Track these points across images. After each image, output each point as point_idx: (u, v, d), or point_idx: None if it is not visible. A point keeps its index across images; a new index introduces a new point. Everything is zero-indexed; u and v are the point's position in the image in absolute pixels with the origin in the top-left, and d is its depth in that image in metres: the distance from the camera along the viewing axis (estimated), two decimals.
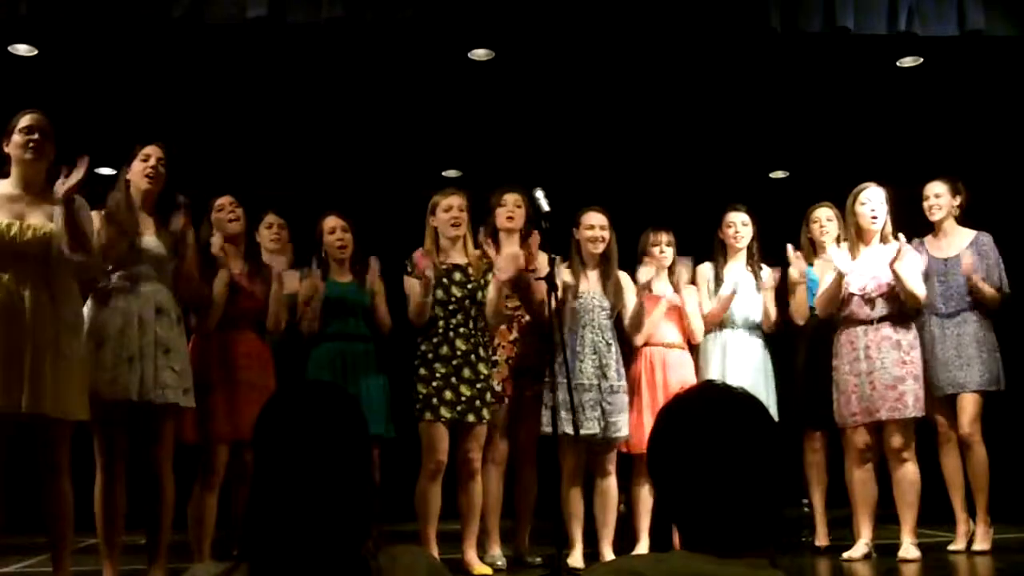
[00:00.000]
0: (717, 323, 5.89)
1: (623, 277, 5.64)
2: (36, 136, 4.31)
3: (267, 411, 1.84)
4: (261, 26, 5.58)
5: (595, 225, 5.57)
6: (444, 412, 5.19)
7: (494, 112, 7.72)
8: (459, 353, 5.26)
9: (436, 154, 8.50)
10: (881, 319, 5.53)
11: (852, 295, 5.58)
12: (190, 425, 5.04)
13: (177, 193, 4.84)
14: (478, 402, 5.26)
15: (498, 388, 5.47)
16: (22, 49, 6.52)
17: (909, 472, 5.50)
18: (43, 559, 5.71)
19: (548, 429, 5.35)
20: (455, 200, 5.40)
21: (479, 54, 6.84)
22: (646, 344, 5.71)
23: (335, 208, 5.71)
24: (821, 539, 5.99)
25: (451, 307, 5.29)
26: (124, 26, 5.72)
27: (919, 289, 5.55)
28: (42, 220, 4.25)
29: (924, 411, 5.52)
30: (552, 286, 4.88)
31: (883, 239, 5.66)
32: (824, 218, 6.06)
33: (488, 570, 5.25)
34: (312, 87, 7.23)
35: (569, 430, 5.19)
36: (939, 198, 5.86)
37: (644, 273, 5.56)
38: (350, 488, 1.78)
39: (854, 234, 5.70)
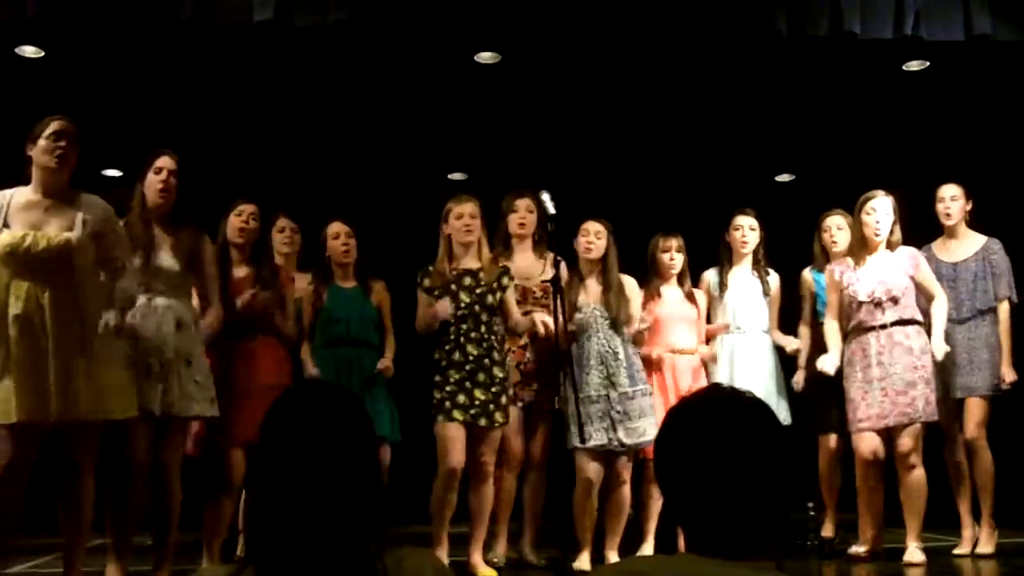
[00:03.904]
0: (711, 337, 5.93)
1: (627, 283, 5.63)
2: (64, 143, 4.25)
3: (273, 413, 1.85)
4: (268, 29, 5.59)
5: (589, 231, 5.57)
6: (457, 415, 5.19)
7: (500, 115, 7.72)
8: (471, 358, 5.25)
9: (442, 157, 8.50)
10: (892, 324, 5.51)
11: (861, 303, 5.56)
12: (192, 437, 5.05)
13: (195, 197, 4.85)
14: (492, 406, 5.25)
15: (510, 391, 5.46)
16: (29, 51, 6.52)
17: (916, 477, 5.49)
18: (50, 559, 5.73)
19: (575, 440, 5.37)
20: (467, 207, 5.37)
21: (485, 57, 6.85)
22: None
23: (342, 211, 5.73)
24: (828, 531, 5.99)
25: (460, 313, 5.28)
26: (131, 28, 5.73)
27: (945, 304, 5.61)
28: (58, 229, 4.20)
29: (935, 415, 5.51)
30: (557, 288, 4.88)
31: (890, 246, 5.64)
32: (834, 227, 6.04)
33: (493, 573, 5.25)
34: (318, 90, 7.24)
35: (577, 442, 5.19)
36: (955, 201, 5.84)
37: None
38: (356, 489, 1.78)
39: (860, 241, 5.68)
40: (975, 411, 5.66)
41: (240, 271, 5.28)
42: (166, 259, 4.67)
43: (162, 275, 4.65)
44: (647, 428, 5.38)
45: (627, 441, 5.38)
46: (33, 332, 4.08)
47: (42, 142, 4.25)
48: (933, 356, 5.51)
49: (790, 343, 5.99)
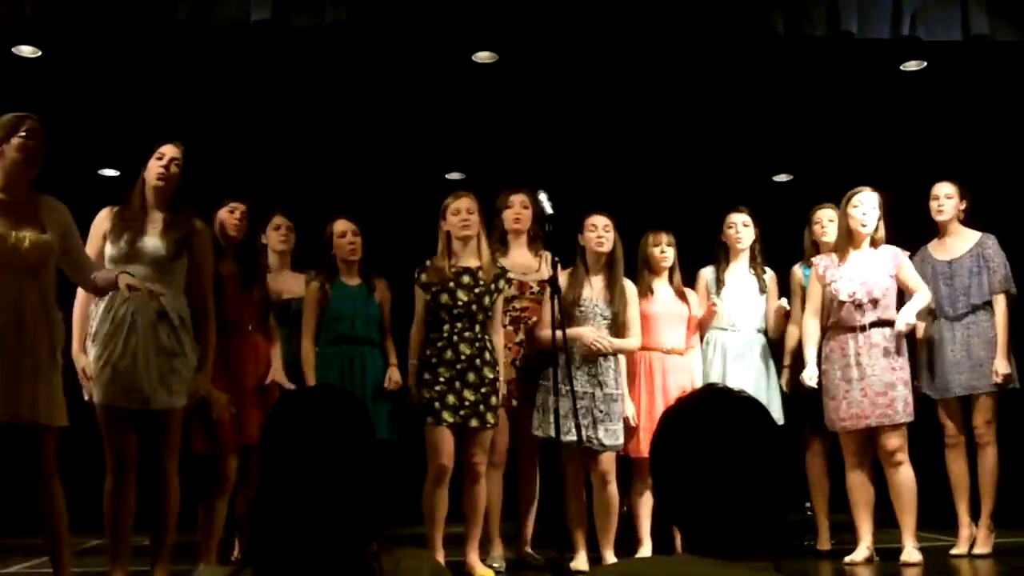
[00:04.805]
0: (706, 328, 5.92)
1: (627, 286, 5.62)
2: (40, 142, 4.24)
3: (274, 415, 1.85)
4: (265, 29, 5.58)
5: (597, 225, 5.55)
6: (447, 416, 5.19)
7: (498, 115, 7.72)
8: (463, 358, 5.25)
9: (440, 157, 8.50)
10: (871, 325, 5.54)
11: (842, 302, 5.58)
12: (199, 435, 5.01)
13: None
14: (482, 407, 5.25)
15: (504, 390, 5.46)
16: (26, 51, 6.52)
17: (904, 476, 5.51)
18: (45, 560, 5.72)
19: (538, 433, 5.38)
20: (464, 203, 5.37)
21: (483, 57, 6.85)
22: (644, 349, 5.70)
23: (339, 210, 5.71)
24: (823, 543, 5.99)
25: (456, 311, 5.27)
26: (128, 28, 5.73)
27: (928, 299, 5.62)
28: (35, 231, 4.19)
29: (913, 416, 5.54)
30: (555, 289, 4.88)
31: (873, 243, 5.67)
32: (826, 219, 6.06)
33: (490, 573, 5.25)
34: (316, 90, 7.23)
35: (569, 438, 5.18)
36: (949, 199, 5.84)
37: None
38: (355, 492, 1.78)
39: (845, 235, 5.70)
40: (982, 409, 5.68)
41: (227, 268, 5.25)
42: (151, 242, 4.61)
43: (145, 259, 4.58)
44: (619, 432, 5.44)
45: (606, 442, 5.40)
46: (16, 332, 4.08)
47: (16, 140, 4.20)
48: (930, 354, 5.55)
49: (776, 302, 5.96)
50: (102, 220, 4.69)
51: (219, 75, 6.93)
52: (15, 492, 4.36)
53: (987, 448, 5.69)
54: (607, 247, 5.54)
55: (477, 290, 5.32)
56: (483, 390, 5.26)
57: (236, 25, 5.59)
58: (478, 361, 5.27)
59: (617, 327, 5.51)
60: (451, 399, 5.20)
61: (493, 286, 5.35)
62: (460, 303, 5.28)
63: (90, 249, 4.62)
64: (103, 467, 4.56)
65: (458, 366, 5.24)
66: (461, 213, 5.35)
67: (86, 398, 4.57)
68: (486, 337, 5.33)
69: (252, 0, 5.45)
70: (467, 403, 5.22)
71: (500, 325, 5.44)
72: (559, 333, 4.88)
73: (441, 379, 5.23)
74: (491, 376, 5.30)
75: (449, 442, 5.21)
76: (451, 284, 5.31)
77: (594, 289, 5.55)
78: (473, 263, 5.38)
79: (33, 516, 4.28)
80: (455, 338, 5.27)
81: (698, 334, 5.91)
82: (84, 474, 4.91)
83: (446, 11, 5.71)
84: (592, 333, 5.40)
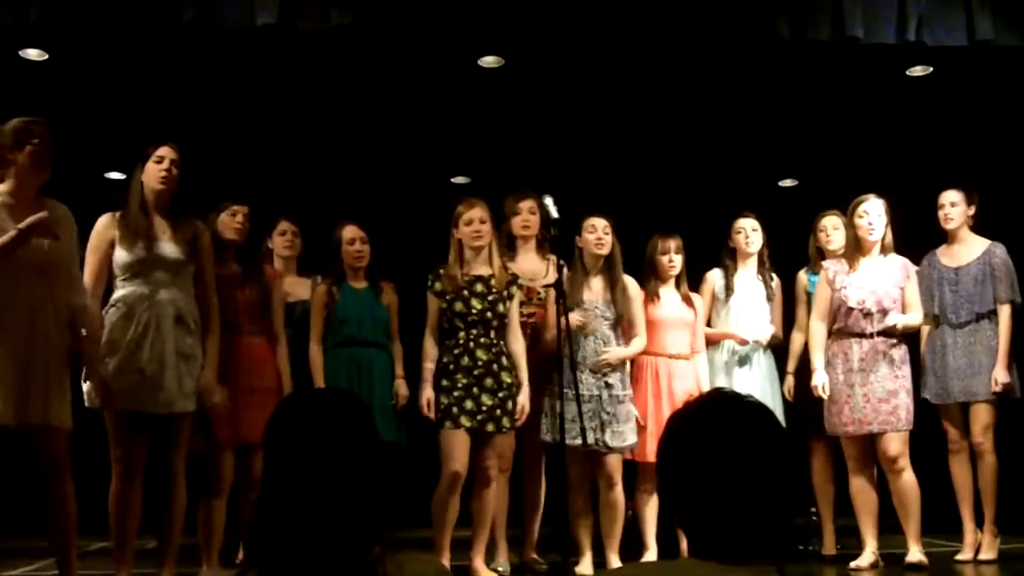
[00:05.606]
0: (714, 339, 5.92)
1: (630, 284, 5.63)
2: (51, 149, 4.24)
3: (278, 416, 1.85)
4: (270, 33, 5.59)
5: (597, 227, 5.54)
6: (464, 421, 5.18)
7: (503, 119, 7.72)
8: (480, 363, 5.24)
9: (445, 161, 8.50)
10: (877, 334, 5.54)
11: (851, 309, 5.58)
12: (196, 434, 5.01)
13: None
14: (499, 411, 5.24)
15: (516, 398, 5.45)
16: (33, 54, 6.53)
17: (906, 481, 5.50)
18: (49, 563, 5.72)
19: (547, 438, 5.38)
20: (477, 212, 5.36)
21: (488, 61, 6.85)
22: (650, 353, 5.69)
23: (345, 214, 5.71)
24: (828, 548, 5.98)
25: (471, 319, 5.27)
26: (134, 31, 5.73)
27: (919, 321, 5.66)
28: (50, 237, 4.20)
29: (912, 424, 5.53)
30: (560, 292, 4.88)
31: (883, 250, 5.66)
32: (831, 226, 6.04)
33: None
34: (321, 94, 7.24)
35: (573, 441, 5.17)
36: (955, 207, 5.82)
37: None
38: (359, 495, 1.78)
39: (854, 244, 5.70)
40: (980, 416, 5.66)
41: (228, 269, 5.23)
42: (167, 248, 4.63)
43: (164, 264, 4.60)
44: (628, 434, 5.43)
45: (612, 444, 5.39)
46: (32, 336, 4.10)
47: (29, 147, 4.19)
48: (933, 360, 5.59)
49: (760, 332, 5.96)
50: (106, 227, 4.67)
51: (224, 78, 6.94)
52: (18, 494, 4.36)
53: (986, 455, 5.66)
54: (606, 249, 5.54)
55: (491, 298, 5.31)
56: (500, 395, 5.25)
57: (241, 29, 5.60)
58: (495, 366, 5.27)
59: (621, 327, 5.50)
60: (469, 404, 5.20)
61: (506, 292, 5.35)
62: (475, 311, 5.27)
63: (94, 257, 4.63)
64: (107, 470, 4.57)
65: (475, 372, 5.23)
66: (474, 223, 5.34)
67: (87, 404, 4.56)
68: (502, 343, 5.33)
69: (257, 4, 5.47)
70: (484, 408, 5.21)
71: (519, 330, 5.43)
72: (565, 341, 4.87)
73: (459, 385, 5.22)
74: (508, 381, 5.29)
75: (465, 447, 5.19)
76: (465, 292, 5.30)
77: (593, 291, 5.55)
78: (485, 271, 5.37)
79: (37, 518, 4.29)
80: (471, 344, 5.26)
81: (703, 339, 5.90)
82: (87, 476, 4.91)
83: (451, 15, 5.72)
84: (581, 318, 5.38)
